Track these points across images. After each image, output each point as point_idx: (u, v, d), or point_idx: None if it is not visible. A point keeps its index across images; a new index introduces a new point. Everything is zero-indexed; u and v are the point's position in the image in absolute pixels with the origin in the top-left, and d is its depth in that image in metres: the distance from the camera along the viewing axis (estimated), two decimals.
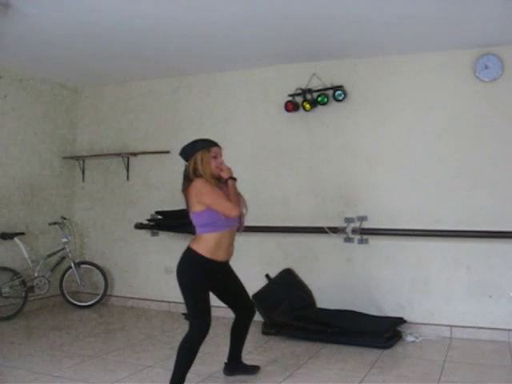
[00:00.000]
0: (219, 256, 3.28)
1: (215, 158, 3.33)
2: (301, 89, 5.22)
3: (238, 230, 3.46)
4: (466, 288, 4.67)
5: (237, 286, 3.56)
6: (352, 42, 4.69)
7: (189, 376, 3.60)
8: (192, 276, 3.24)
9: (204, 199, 3.17)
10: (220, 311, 5.49)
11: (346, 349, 4.28)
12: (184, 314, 5.55)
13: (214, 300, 5.68)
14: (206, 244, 3.23)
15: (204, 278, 3.25)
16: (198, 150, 3.29)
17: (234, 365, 3.68)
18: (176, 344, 3.71)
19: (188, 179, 3.28)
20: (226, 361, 3.71)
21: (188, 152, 3.34)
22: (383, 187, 4.97)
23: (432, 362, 3.95)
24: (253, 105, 5.56)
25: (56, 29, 4.34)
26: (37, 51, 4.99)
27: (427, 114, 4.85)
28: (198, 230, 3.29)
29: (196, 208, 3.21)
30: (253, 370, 3.71)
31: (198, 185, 3.19)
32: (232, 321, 3.66)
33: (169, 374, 3.41)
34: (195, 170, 3.26)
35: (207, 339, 3.74)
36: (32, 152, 5.96)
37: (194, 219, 3.27)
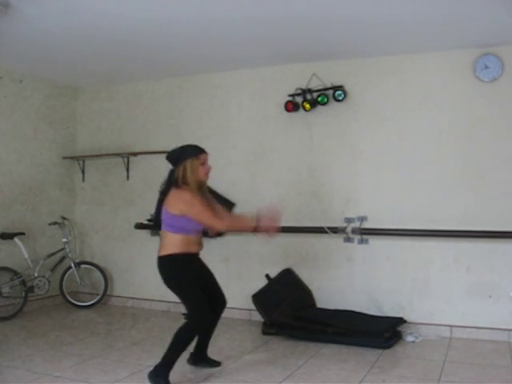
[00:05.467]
0: (191, 249, 3.44)
1: (203, 164, 3.46)
2: (301, 89, 5.22)
3: (208, 235, 3.80)
4: (466, 288, 4.67)
5: (212, 278, 3.72)
6: (352, 42, 4.69)
7: (189, 376, 3.63)
8: (178, 275, 3.42)
9: (192, 211, 3.30)
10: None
11: (345, 349, 4.28)
12: (184, 314, 5.54)
13: None
14: (174, 244, 3.38)
15: (187, 270, 3.41)
16: (187, 157, 3.41)
17: (200, 356, 3.75)
18: None
19: (176, 184, 3.40)
20: (192, 351, 3.74)
21: (176, 158, 3.46)
22: (383, 187, 4.97)
23: (432, 362, 3.95)
24: (253, 105, 5.56)
25: (56, 29, 4.33)
26: (37, 51, 4.99)
27: (427, 113, 4.85)
28: (166, 228, 3.41)
29: (176, 211, 3.33)
30: (215, 363, 3.77)
31: (187, 195, 3.32)
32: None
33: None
34: (184, 176, 3.39)
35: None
36: (32, 152, 5.96)
37: (168, 218, 3.38)
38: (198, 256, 3.63)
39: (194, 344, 3.68)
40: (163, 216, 3.43)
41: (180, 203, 3.32)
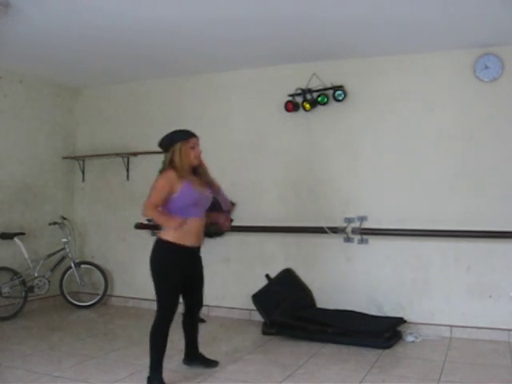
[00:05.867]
0: (187, 241, 3.38)
1: (193, 148, 3.45)
2: (301, 89, 5.22)
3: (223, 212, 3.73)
4: (465, 288, 4.66)
5: (198, 279, 3.65)
6: (352, 42, 4.69)
7: (189, 376, 3.63)
8: (162, 263, 3.37)
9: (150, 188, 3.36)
10: (220, 311, 5.51)
11: (346, 349, 4.27)
12: None
13: (215, 300, 5.69)
14: (173, 230, 3.34)
15: (173, 263, 3.36)
16: (176, 141, 3.41)
17: (192, 355, 3.77)
18: (176, 344, 3.73)
19: (163, 168, 3.42)
20: (184, 351, 3.80)
21: (166, 143, 3.46)
22: (383, 187, 4.97)
23: (432, 362, 3.94)
24: (253, 105, 5.56)
25: (56, 29, 4.34)
26: (37, 51, 4.99)
27: (427, 113, 4.85)
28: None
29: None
30: (212, 363, 3.78)
31: (159, 178, 3.36)
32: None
33: (168, 375, 3.42)
34: (171, 160, 3.38)
35: (208, 339, 3.77)
36: (32, 152, 5.96)
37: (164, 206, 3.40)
38: (196, 252, 3.55)
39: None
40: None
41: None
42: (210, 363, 3.77)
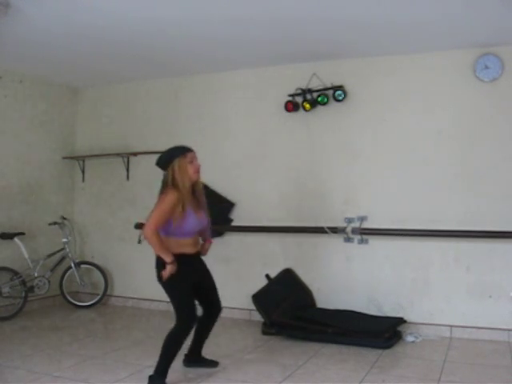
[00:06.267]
0: (185, 250, 3.40)
1: (191, 162, 3.42)
2: (301, 89, 5.22)
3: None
4: (465, 288, 4.67)
5: (209, 281, 3.67)
6: (352, 42, 4.69)
7: (189, 376, 3.63)
8: (171, 275, 3.32)
9: (155, 207, 3.32)
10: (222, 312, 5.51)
11: (346, 349, 4.28)
12: None
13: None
14: (169, 244, 3.35)
15: (180, 272, 3.33)
16: (174, 158, 3.37)
17: (194, 358, 3.76)
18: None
19: (164, 187, 3.39)
20: (186, 352, 3.74)
21: (164, 161, 3.42)
22: (383, 187, 4.97)
23: (432, 362, 3.94)
24: (253, 105, 5.56)
25: (56, 29, 4.34)
26: (37, 51, 4.99)
27: (427, 113, 4.85)
28: (161, 233, 3.37)
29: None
30: (212, 364, 3.77)
31: (163, 199, 3.31)
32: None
33: (169, 375, 3.41)
34: (173, 179, 3.35)
35: (208, 339, 3.76)
36: (32, 152, 5.96)
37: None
38: (197, 256, 3.59)
39: (188, 345, 3.69)
40: None
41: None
42: (210, 363, 3.77)
